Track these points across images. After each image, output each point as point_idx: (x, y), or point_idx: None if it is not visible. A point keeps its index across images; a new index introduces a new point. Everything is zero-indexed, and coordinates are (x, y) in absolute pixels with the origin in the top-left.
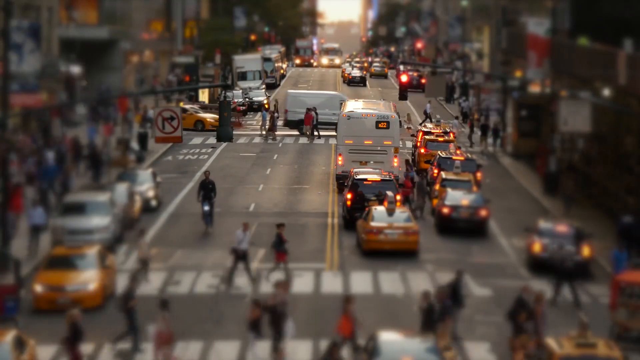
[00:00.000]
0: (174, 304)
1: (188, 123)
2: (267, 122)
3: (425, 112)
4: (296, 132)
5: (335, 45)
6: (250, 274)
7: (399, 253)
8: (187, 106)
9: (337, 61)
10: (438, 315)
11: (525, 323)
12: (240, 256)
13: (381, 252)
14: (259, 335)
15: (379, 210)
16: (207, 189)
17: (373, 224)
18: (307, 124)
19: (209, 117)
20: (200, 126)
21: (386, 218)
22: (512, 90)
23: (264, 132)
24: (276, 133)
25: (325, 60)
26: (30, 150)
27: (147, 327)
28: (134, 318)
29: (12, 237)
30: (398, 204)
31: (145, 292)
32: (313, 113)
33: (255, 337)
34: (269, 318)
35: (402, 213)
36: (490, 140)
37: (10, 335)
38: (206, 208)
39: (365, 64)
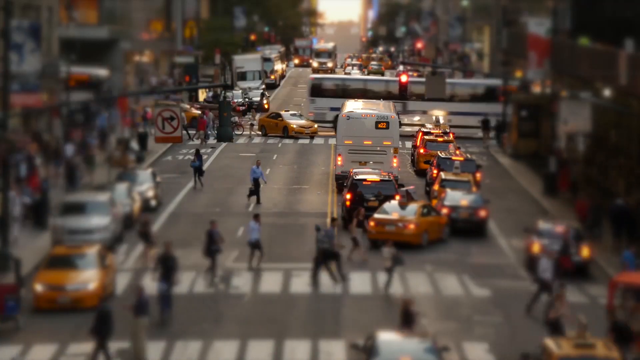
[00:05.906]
0: (174, 303)
1: (278, 129)
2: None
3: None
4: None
5: (328, 46)
6: (531, 305)
7: (400, 246)
8: (282, 112)
9: (329, 65)
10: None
11: None
12: (545, 287)
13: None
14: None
15: (392, 203)
16: (211, 240)
17: (376, 215)
18: (201, 128)
19: (295, 123)
20: (285, 132)
21: (396, 211)
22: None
23: (253, 133)
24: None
25: (315, 64)
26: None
27: None
28: None
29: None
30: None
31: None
32: (211, 115)
33: None
34: (548, 330)
35: (414, 207)
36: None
37: None
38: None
39: (363, 61)
